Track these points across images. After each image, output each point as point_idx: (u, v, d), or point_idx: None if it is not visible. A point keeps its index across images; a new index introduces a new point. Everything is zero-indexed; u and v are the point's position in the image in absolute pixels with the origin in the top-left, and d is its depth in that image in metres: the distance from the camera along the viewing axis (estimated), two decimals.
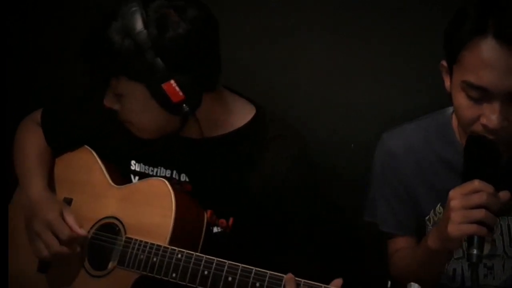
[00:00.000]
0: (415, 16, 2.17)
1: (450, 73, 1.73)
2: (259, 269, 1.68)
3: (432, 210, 1.93)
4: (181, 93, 1.74)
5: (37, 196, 1.93)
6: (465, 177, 1.64)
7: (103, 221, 1.91)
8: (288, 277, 1.64)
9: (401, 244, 1.98)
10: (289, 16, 2.25)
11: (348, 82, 2.26)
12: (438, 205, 1.91)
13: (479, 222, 1.57)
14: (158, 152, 1.93)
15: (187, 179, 1.92)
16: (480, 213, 1.58)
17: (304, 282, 1.64)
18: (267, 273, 1.67)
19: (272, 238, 1.88)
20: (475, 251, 1.57)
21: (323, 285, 1.62)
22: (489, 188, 1.59)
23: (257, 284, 1.67)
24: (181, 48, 1.72)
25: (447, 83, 1.77)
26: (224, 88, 1.91)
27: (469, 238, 1.59)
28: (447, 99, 1.93)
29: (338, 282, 1.63)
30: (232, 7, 2.22)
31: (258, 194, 1.86)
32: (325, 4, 2.22)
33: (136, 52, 1.71)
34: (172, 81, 1.72)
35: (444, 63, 1.76)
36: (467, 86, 1.65)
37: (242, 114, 1.90)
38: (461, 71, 1.67)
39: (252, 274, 1.68)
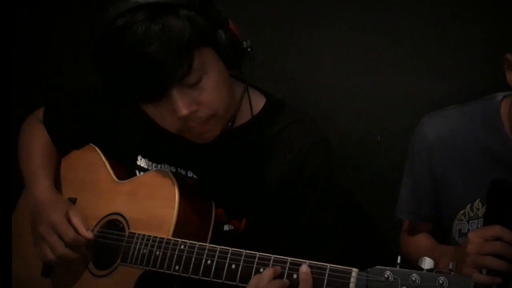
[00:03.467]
0: (446, 3, 2.16)
1: None
2: (263, 254, 1.66)
3: (469, 205, 1.91)
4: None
5: (42, 196, 1.93)
6: (488, 219, 1.73)
7: (106, 219, 1.91)
8: (305, 270, 1.61)
9: (412, 226, 2.01)
10: (313, 1, 2.26)
11: (374, 70, 2.25)
12: (477, 200, 1.89)
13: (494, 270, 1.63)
14: (165, 148, 1.92)
15: (194, 176, 1.91)
16: (492, 261, 1.64)
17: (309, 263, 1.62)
18: (271, 257, 1.65)
19: (288, 236, 1.85)
20: None
21: (328, 265, 1.59)
22: (510, 236, 1.65)
23: (261, 270, 1.65)
24: None
25: (510, 77, 1.75)
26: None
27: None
28: (477, 89, 1.92)
29: None
30: None
31: (275, 187, 1.83)
32: None
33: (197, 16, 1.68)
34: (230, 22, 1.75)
35: (510, 57, 1.74)
36: None
37: (252, 105, 1.87)
38: None
39: (256, 259, 1.66)
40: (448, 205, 1.95)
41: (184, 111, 1.69)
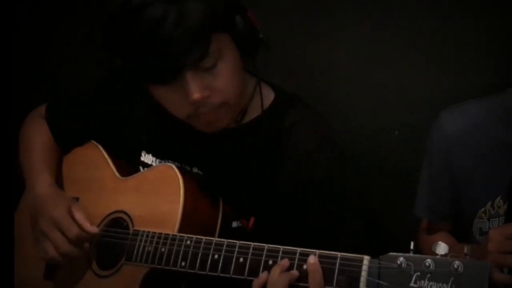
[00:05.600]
0: None
1: None
2: (272, 246, 1.66)
3: (490, 203, 1.90)
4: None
5: (43, 193, 1.95)
6: (509, 216, 1.73)
7: (110, 217, 1.92)
8: (312, 261, 1.61)
9: (430, 225, 2.01)
10: None
11: (392, 63, 2.24)
12: (498, 198, 1.88)
13: None
14: (169, 143, 1.94)
15: (199, 172, 1.92)
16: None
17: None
18: (279, 248, 1.65)
19: (298, 237, 1.83)
20: None
21: (339, 254, 1.59)
22: None
23: (270, 262, 1.65)
24: None
25: None
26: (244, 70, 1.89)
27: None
28: (497, 83, 1.93)
29: None
30: None
31: (283, 186, 1.84)
32: None
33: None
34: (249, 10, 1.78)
35: None
36: None
37: (258, 100, 1.89)
38: None
39: (264, 252, 1.66)
40: (468, 203, 1.94)
41: (196, 94, 1.71)
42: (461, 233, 2.02)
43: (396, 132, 2.24)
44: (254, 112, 1.90)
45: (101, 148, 2.03)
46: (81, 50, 2.47)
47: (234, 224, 1.89)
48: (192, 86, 1.71)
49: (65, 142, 2.08)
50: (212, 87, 1.74)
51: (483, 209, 1.91)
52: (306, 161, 1.84)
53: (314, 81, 2.28)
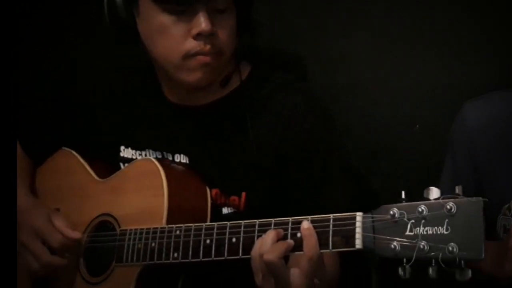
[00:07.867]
0: None
1: None
2: (263, 220, 1.67)
3: None
4: None
5: (20, 204, 1.91)
6: None
7: (95, 222, 1.93)
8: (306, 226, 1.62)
9: None
10: None
11: (412, 54, 2.26)
12: None
13: None
14: (148, 133, 1.97)
15: (182, 159, 1.94)
16: None
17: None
18: (271, 221, 1.66)
19: (293, 203, 1.87)
20: None
21: (331, 215, 1.61)
22: None
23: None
24: None
25: None
26: None
27: None
28: None
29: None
30: None
31: (271, 155, 1.87)
32: None
33: None
34: None
35: None
36: None
37: (236, 73, 1.95)
38: None
39: (256, 228, 1.67)
40: (491, 199, 1.89)
41: (207, 26, 1.79)
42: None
43: (417, 125, 2.25)
44: (233, 85, 1.94)
45: (74, 153, 2.05)
46: (81, 50, 2.49)
47: (225, 211, 1.90)
48: (204, 18, 1.79)
49: (36, 153, 2.09)
50: (219, 29, 1.82)
51: (507, 205, 1.91)
52: (294, 125, 1.87)
53: (334, 76, 2.29)
